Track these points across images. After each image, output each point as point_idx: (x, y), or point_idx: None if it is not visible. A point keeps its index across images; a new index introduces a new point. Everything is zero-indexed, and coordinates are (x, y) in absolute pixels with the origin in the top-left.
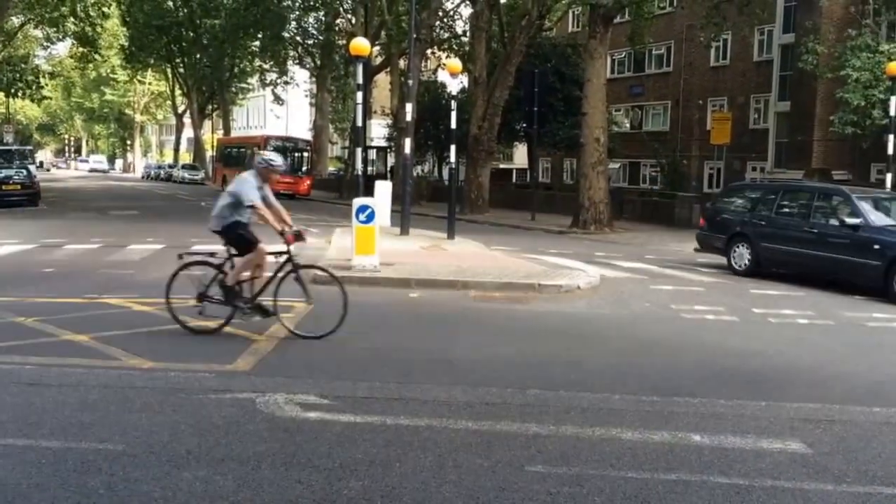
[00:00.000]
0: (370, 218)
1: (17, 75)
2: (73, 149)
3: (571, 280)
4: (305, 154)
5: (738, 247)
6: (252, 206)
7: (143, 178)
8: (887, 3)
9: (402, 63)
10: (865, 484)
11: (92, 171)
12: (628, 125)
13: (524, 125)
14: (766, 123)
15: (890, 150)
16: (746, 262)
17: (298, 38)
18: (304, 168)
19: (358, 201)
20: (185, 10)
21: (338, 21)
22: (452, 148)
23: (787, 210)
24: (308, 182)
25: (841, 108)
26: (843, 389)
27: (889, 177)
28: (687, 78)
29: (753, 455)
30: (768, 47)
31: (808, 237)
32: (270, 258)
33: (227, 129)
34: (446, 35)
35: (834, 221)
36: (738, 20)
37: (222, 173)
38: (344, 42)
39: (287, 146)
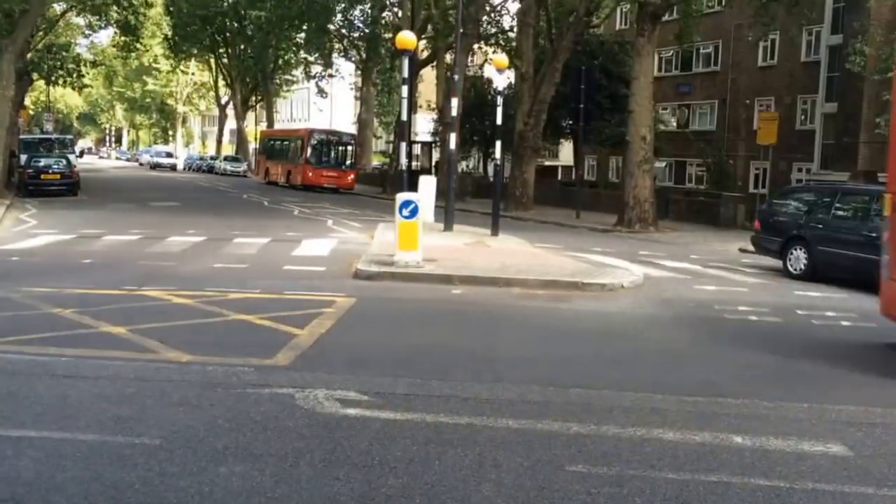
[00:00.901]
0: (414, 213)
1: (58, 63)
2: (113, 138)
3: (615, 279)
4: (350, 148)
5: (794, 250)
6: None
7: (184, 169)
8: None
9: (448, 58)
10: None
11: (156, 166)
12: (675, 124)
13: (570, 122)
14: (812, 125)
15: None
16: (803, 265)
17: (344, 31)
18: (347, 162)
19: (401, 196)
20: (230, 1)
21: (384, 14)
22: (497, 144)
23: (843, 213)
24: (352, 176)
25: (888, 111)
26: (886, 393)
27: None
28: (734, 77)
29: (795, 457)
30: (816, 48)
31: (866, 241)
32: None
33: (270, 122)
34: (493, 30)
35: None
36: (786, 20)
37: (265, 166)
38: (390, 35)
39: (331, 140)
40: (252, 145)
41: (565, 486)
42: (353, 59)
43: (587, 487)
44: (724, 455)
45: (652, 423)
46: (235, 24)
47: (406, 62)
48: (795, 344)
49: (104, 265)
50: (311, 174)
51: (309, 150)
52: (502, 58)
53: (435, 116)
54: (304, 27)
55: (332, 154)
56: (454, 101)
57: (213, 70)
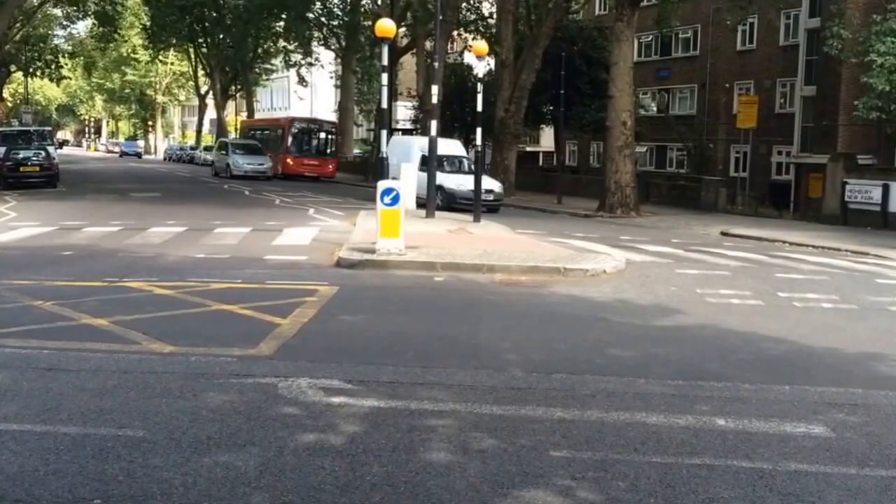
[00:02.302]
0: (395, 200)
1: (36, 55)
2: (92, 130)
3: (597, 264)
4: (330, 136)
5: None
6: None
7: (164, 159)
8: None
9: (428, 45)
10: (889, 468)
11: (123, 154)
12: (655, 109)
13: (551, 108)
14: (791, 108)
15: None
16: None
17: (323, 19)
18: (328, 150)
19: (383, 184)
20: None
21: (363, 2)
22: (478, 131)
23: None
24: (333, 164)
25: (866, 93)
26: (866, 373)
27: None
28: (713, 62)
29: (777, 439)
30: (794, 31)
31: None
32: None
33: (250, 111)
34: (473, 17)
35: None
36: (764, 4)
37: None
38: (369, 23)
39: (311, 128)
40: (232, 135)
41: (550, 471)
42: (333, 47)
43: (572, 472)
44: (707, 438)
45: (635, 407)
46: (214, 14)
47: (385, 50)
48: (776, 326)
49: (85, 257)
50: (291, 163)
51: (289, 139)
52: (482, 45)
53: (415, 104)
54: (284, 16)
55: (314, 142)
56: (434, 89)
57: (193, 60)
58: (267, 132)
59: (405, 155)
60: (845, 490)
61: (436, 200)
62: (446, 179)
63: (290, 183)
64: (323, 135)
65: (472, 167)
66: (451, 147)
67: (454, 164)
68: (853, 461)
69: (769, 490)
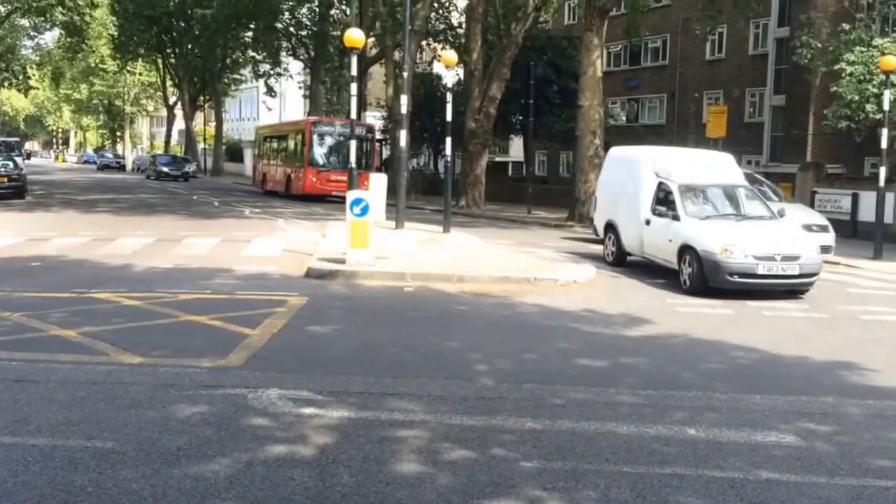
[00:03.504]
0: (364, 211)
1: (3, 65)
2: (60, 141)
3: (568, 274)
4: (367, 143)
5: None
6: None
7: (133, 170)
8: None
9: (396, 54)
10: (859, 476)
11: (85, 162)
12: (624, 118)
13: (520, 118)
14: (761, 117)
15: (883, 144)
16: None
17: (292, 29)
18: (365, 162)
19: (352, 194)
20: (176, 0)
21: (332, 12)
22: (448, 140)
23: None
24: (366, 180)
25: (835, 102)
26: (837, 382)
27: (883, 170)
28: (683, 71)
29: (748, 448)
30: (763, 41)
31: None
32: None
33: (219, 121)
34: (442, 26)
35: None
36: (733, 13)
37: (262, 171)
38: (338, 33)
39: (341, 132)
40: (201, 145)
41: (521, 481)
42: (302, 57)
43: (542, 482)
44: (678, 448)
45: (606, 417)
46: (182, 24)
47: (354, 60)
48: (746, 336)
49: (53, 268)
50: (314, 180)
51: (311, 148)
52: (451, 55)
53: (385, 114)
54: (252, 26)
55: (343, 151)
56: (404, 99)
57: (161, 70)
58: (284, 140)
59: (628, 182)
60: (816, 499)
61: (404, 211)
62: (707, 233)
63: (261, 196)
64: (355, 141)
65: (778, 211)
66: (709, 167)
67: (721, 202)
68: (824, 470)
69: (740, 499)
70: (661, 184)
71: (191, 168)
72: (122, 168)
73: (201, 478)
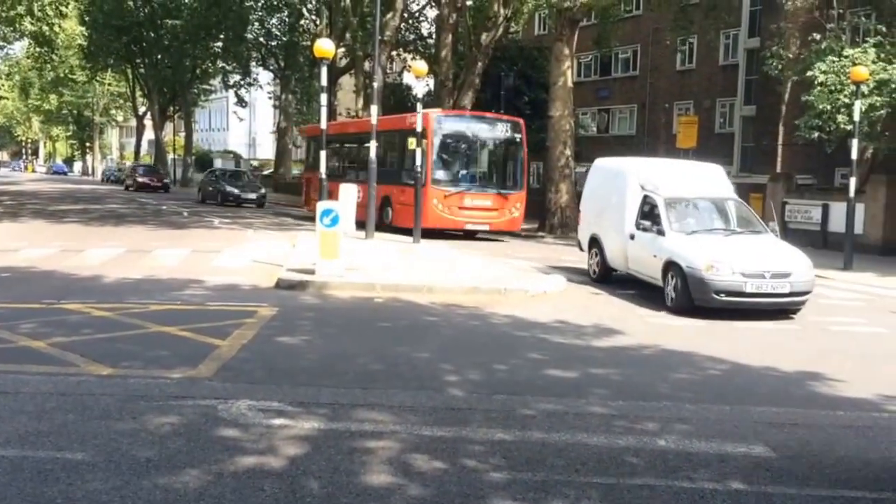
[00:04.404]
0: (334, 222)
1: None
2: (30, 151)
3: (538, 285)
4: (514, 148)
5: None
6: None
7: (102, 180)
8: (851, 7)
9: (367, 65)
10: (829, 488)
11: (55, 172)
12: (595, 129)
13: None
14: (731, 128)
15: (854, 155)
16: None
17: (262, 40)
18: (510, 181)
19: (322, 205)
20: (146, 11)
21: (301, 22)
22: (418, 151)
23: None
24: (520, 206)
25: (807, 113)
26: (807, 393)
27: (853, 181)
28: (653, 82)
29: (718, 459)
30: (734, 51)
31: None
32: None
33: (188, 132)
34: (412, 36)
35: None
36: (703, 24)
37: (328, 190)
38: (308, 43)
39: (480, 129)
40: (170, 156)
41: (490, 492)
42: (272, 67)
43: (512, 493)
44: (648, 458)
45: (576, 427)
46: (152, 34)
47: (324, 70)
48: (717, 346)
49: (23, 279)
50: (441, 206)
51: (436, 157)
52: (421, 65)
53: None
54: (222, 36)
55: (483, 161)
56: (374, 109)
57: (130, 80)
58: (376, 144)
59: (612, 194)
60: None
61: (374, 221)
62: (693, 249)
63: (231, 206)
64: (500, 146)
65: (770, 227)
66: (697, 179)
67: (709, 216)
68: (793, 481)
69: None
70: (646, 196)
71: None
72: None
73: (171, 489)
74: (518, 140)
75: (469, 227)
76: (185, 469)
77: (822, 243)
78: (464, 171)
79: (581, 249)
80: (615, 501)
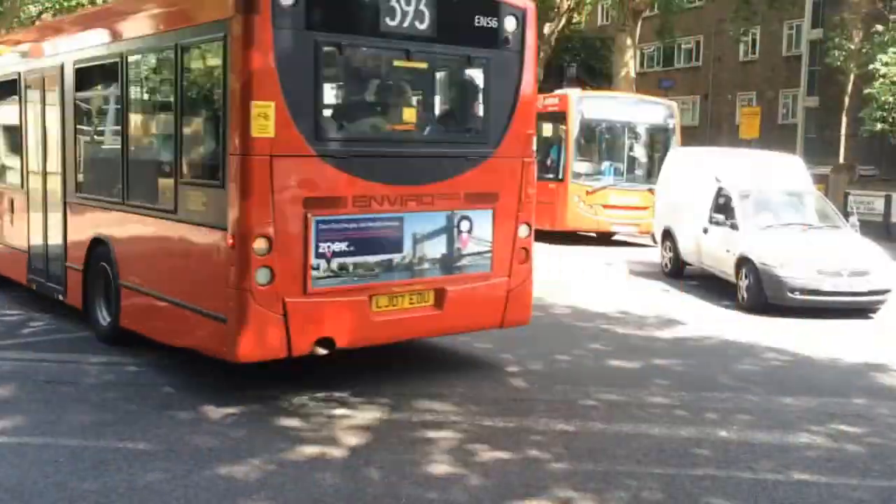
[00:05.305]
0: None
1: None
2: None
3: (601, 275)
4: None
5: None
6: None
7: None
8: None
9: None
10: (891, 478)
11: None
12: None
13: None
14: (794, 119)
15: None
16: None
17: None
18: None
19: None
20: None
21: None
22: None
23: None
24: None
25: (869, 104)
26: (868, 384)
27: None
28: (716, 72)
29: (779, 450)
30: (797, 42)
31: None
32: None
33: None
34: None
35: None
36: (767, 15)
37: None
38: None
39: (633, 113)
40: None
41: (551, 483)
42: None
43: (573, 484)
44: (709, 449)
45: (637, 418)
46: None
47: None
48: (775, 337)
49: None
50: (580, 205)
51: (576, 146)
52: None
53: None
54: None
55: (635, 150)
56: None
57: None
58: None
59: (686, 186)
60: (847, 500)
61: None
62: (767, 245)
63: None
64: (651, 133)
65: (850, 222)
66: (774, 171)
67: (785, 210)
68: (855, 472)
69: (771, 501)
70: (720, 189)
71: None
72: None
73: (232, 478)
74: (672, 126)
75: (615, 228)
76: (246, 459)
77: (885, 235)
78: (607, 163)
79: (654, 242)
80: (676, 492)
